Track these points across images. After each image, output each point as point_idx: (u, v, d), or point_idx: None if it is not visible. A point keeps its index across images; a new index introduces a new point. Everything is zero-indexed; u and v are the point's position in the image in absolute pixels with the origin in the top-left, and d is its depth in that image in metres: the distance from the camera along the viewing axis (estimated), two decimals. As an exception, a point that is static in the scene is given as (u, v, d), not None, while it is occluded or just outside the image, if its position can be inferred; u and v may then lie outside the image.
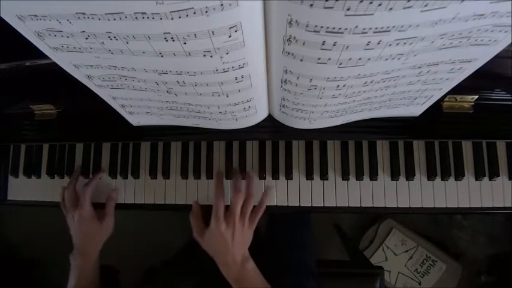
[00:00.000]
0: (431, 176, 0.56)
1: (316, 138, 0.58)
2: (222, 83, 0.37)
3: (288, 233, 0.73)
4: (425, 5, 0.24)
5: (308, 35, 0.28)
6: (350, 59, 0.31)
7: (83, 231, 0.56)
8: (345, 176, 0.57)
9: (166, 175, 0.61)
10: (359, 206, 0.57)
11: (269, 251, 0.70)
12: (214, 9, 0.25)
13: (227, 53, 0.31)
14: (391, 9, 0.24)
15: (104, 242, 0.58)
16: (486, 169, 0.56)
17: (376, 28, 0.26)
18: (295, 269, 0.63)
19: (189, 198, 0.60)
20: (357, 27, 0.26)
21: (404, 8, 0.24)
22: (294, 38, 0.29)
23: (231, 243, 0.49)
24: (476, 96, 0.50)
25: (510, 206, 0.55)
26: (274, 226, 0.79)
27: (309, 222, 0.78)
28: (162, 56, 0.32)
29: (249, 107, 0.44)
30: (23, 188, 0.66)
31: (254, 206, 0.54)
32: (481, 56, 0.34)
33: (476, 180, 0.56)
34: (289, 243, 0.70)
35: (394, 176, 0.57)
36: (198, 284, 0.66)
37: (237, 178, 0.55)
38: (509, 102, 0.51)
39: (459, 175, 0.56)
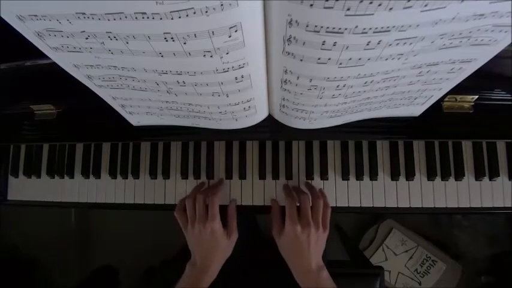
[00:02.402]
0: (431, 176, 0.56)
1: (316, 138, 0.58)
2: (222, 83, 0.37)
3: None
4: (425, 5, 0.24)
5: (308, 35, 0.28)
6: (350, 59, 0.31)
7: (212, 247, 0.50)
8: (345, 176, 0.57)
9: (166, 175, 0.61)
10: (359, 206, 0.57)
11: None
12: (214, 9, 0.25)
13: (227, 53, 0.31)
14: (391, 9, 0.24)
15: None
16: (486, 169, 0.56)
17: (376, 28, 0.26)
18: None
19: (189, 198, 0.60)
20: (357, 27, 0.26)
21: (404, 8, 0.24)
22: (294, 38, 0.29)
23: (307, 248, 0.48)
24: (476, 96, 0.50)
25: (510, 206, 0.55)
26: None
27: None
28: (162, 56, 0.32)
29: (249, 107, 0.44)
30: (23, 188, 0.66)
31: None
32: (481, 56, 0.34)
33: (476, 180, 0.56)
34: None
35: (394, 176, 0.57)
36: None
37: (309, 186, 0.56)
38: (509, 102, 0.51)
39: (459, 175, 0.56)
